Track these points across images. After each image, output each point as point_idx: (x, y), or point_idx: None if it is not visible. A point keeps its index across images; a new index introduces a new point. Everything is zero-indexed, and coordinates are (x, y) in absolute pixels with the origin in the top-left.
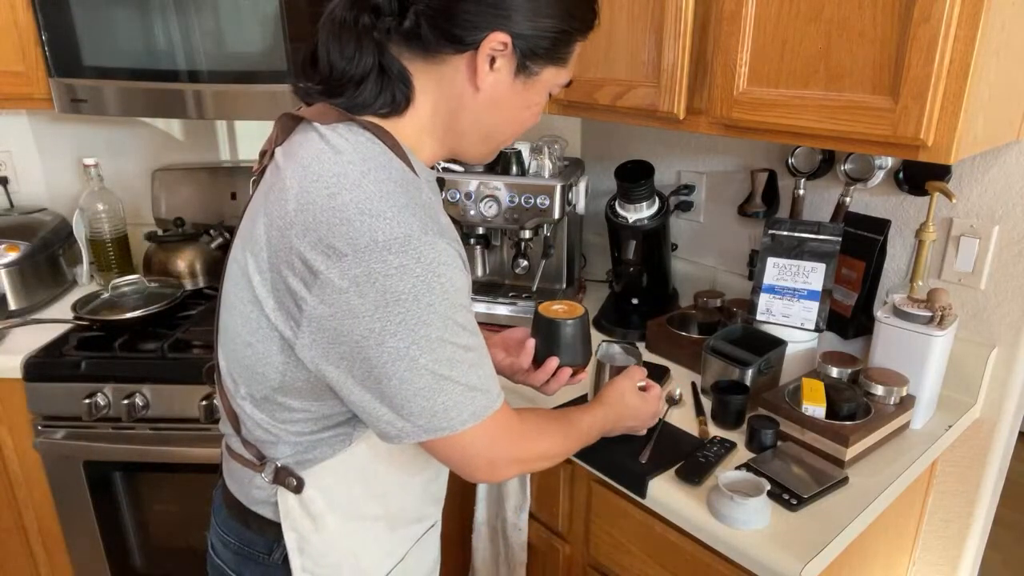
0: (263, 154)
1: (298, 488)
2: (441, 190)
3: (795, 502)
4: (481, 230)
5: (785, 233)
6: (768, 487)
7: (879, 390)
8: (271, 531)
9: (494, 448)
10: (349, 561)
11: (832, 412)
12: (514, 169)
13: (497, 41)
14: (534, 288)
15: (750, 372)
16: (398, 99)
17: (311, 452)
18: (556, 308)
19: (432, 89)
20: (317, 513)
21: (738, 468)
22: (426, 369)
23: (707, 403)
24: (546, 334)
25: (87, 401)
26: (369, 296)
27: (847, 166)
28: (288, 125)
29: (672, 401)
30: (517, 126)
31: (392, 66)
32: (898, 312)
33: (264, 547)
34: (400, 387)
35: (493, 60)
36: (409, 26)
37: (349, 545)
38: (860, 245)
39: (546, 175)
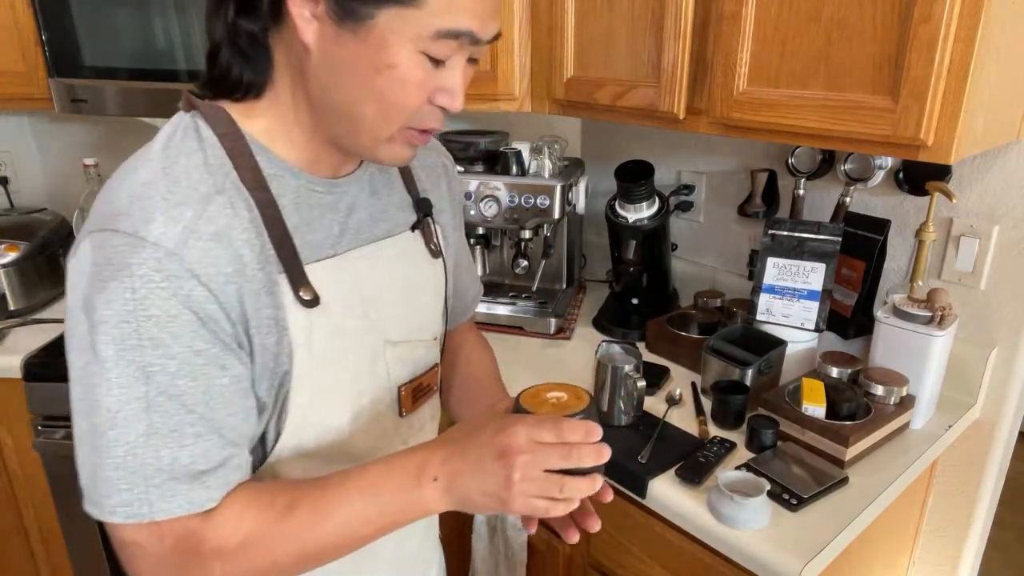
0: None
1: None
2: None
3: (795, 502)
4: (481, 230)
5: (785, 233)
6: (768, 487)
7: (879, 390)
8: None
9: (155, 568)
10: None
11: (832, 412)
12: (514, 169)
13: None
14: (534, 288)
15: (750, 372)
16: (249, 80)
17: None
18: (550, 396)
19: (285, 63)
20: None
21: (738, 468)
22: (88, 409)
23: (707, 403)
24: None
25: None
26: (76, 296)
27: (847, 166)
28: None
29: (672, 401)
30: (380, 101)
31: (242, 40)
32: (898, 312)
33: None
34: (75, 420)
35: (314, 3)
36: None
37: None
38: (860, 245)
39: (546, 175)
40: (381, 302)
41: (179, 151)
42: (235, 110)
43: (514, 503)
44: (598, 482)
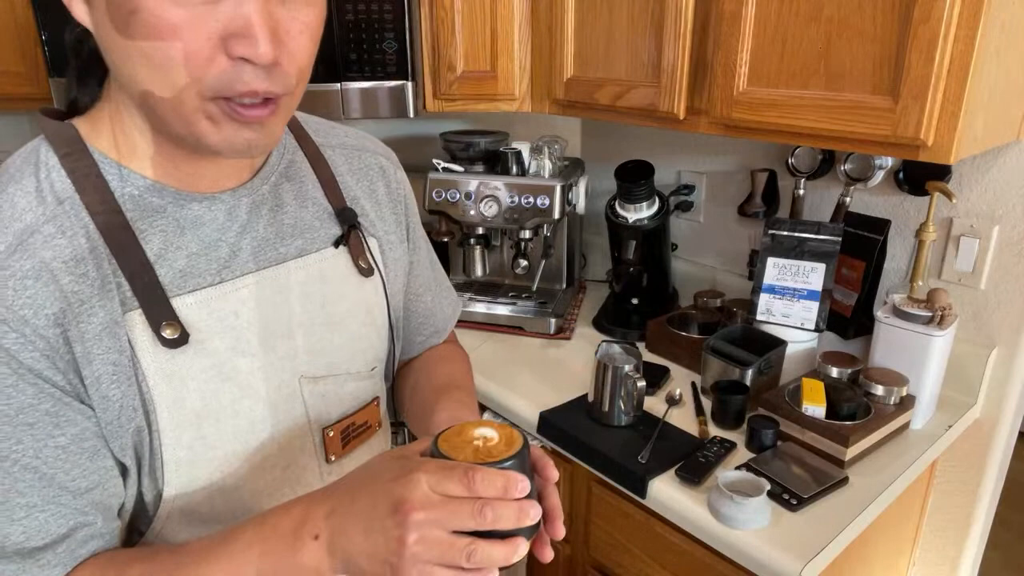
0: None
1: None
2: (428, 190)
3: (795, 502)
4: (481, 230)
5: (785, 233)
6: (768, 487)
7: (879, 390)
8: None
9: None
10: None
11: (832, 412)
12: (514, 169)
13: None
14: (534, 288)
15: (750, 372)
16: (85, 86)
17: None
18: (476, 436)
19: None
20: None
21: (738, 468)
22: None
23: (707, 403)
24: None
25: None
26: None
27: (847, 166)
28: None
29: (672, 401)
30: (146, 65)
31: (72, 43)
32: (898, 312)
33: None
34: None
35: None
36: None
37: None
38: (860, 245)
39: (546, 175)
40: (292, 333)
41: (9, 180)
42: (83, 127)
43: (406, 572)
44: (520, 548)
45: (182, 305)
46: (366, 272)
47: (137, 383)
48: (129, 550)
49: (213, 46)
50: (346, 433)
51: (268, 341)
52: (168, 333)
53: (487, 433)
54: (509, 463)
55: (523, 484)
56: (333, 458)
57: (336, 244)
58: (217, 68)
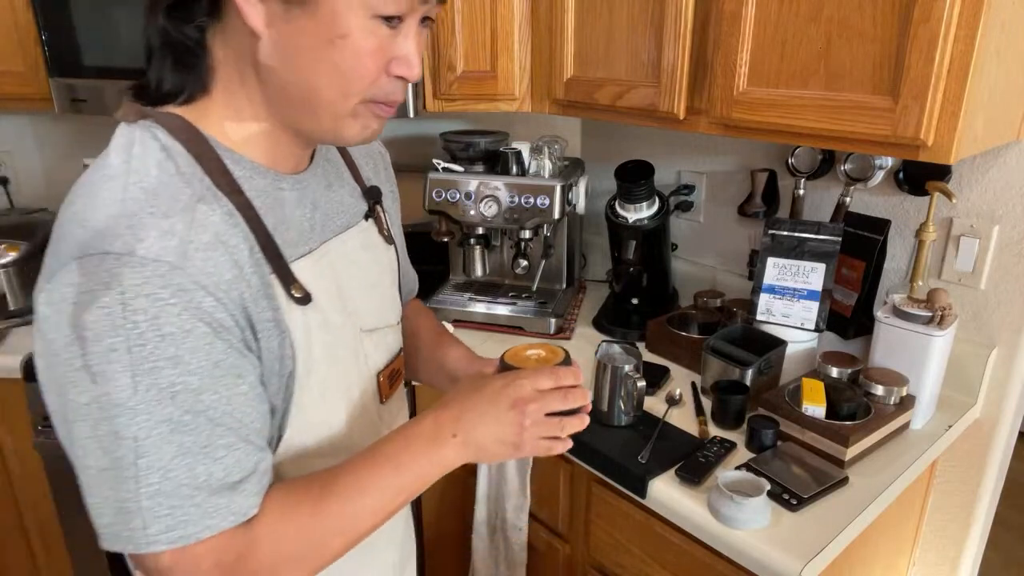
0: None
1: None
2: (428, 190)
3: (795, 502)
4: (481, 230)
5: (785, 233)
6: (768, 487)
7: (879, 390)
8: None
9: None
10: None
11: (832, 412)
12: (514, 169)
13: None
14: (534, 288)
15: (750, 372)
16: (187, 82)
17: None
18: (530, 354)
19: (232, 58)
20: None
21: (738, 468)
22: (106, 445)
23: (707, 403)
24: None
25: None
26: (61, 328)
27: (847, 166)
28: None
29: (672, 401)
30: (334, 75)
31: (177, 41)
32: (898, 312)
33: None
34: (85, 460)
35: None
36: None
37: None
38: (860, 245)
39: (546, 175)
40: (354, 292)
41: (146, 163)
42: (188, 114)
43: (525, 446)
44: (585, 420)
45: (296, 270)
46: (388, 240)
47: (286, 337)
48: (295, 478)
49: (382, 66)
50: (391, 378)
51: (342, 300)
52: (296, 293)
53: (538, 352)
54: (564, 364)
55: (581, 373)
56: (384, 399)
57: (366, 217)
58: (380, 81)
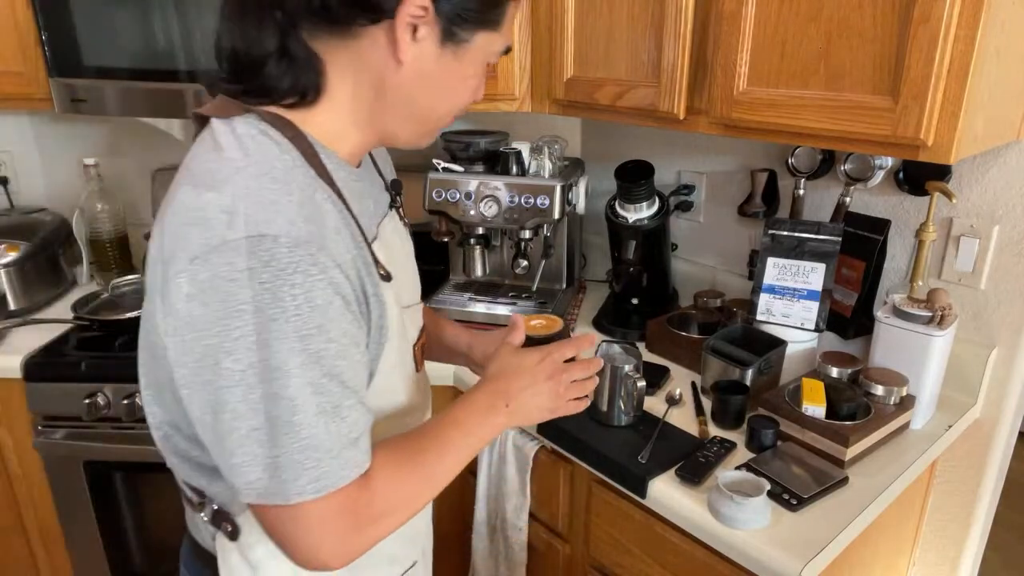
0: None
1: (234, 534)
2: (428, 190)
3: (795, 502)
4: (481, 230)
5: (785, 233)
6: (768, 487)
7: (879, 390)
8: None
9: (337, 528)
10: None
11: (832, 412)
12: (514, 169)
13: (416, 7)
14: (534, 288)
15: (750, 372)
16: (305, 87)
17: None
18: (534, 323)
19: (350, 71)
20: (258, 561)
21: (738, 468)
22: (261, 406)
23: (707, 403)
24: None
25: (87, 401)
26: (211, 305)
27: (847, 166)
28: (197, 126)
29: (672, 401)
30: (455, 100)
31: (298, 49)
32: (898, 312)
33: None
34: (234, 424)
35: (415, 29)
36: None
37: None
38: (860, 245)
39: (546, 175)
40: (399, 271)
41: (266, 156)
42: (293, 116)
43: (561, 409)
44: (598, 380)
45: (375, 250)
46: (407, 226)
47: (384, 310)
48: (389, 439)
49: None
50: (423, 350)
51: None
52: (381, 271)
53: (540, 321)
54: (564, 332)
55: (594, 338)
56: (419, 369)
57: (390, 207)
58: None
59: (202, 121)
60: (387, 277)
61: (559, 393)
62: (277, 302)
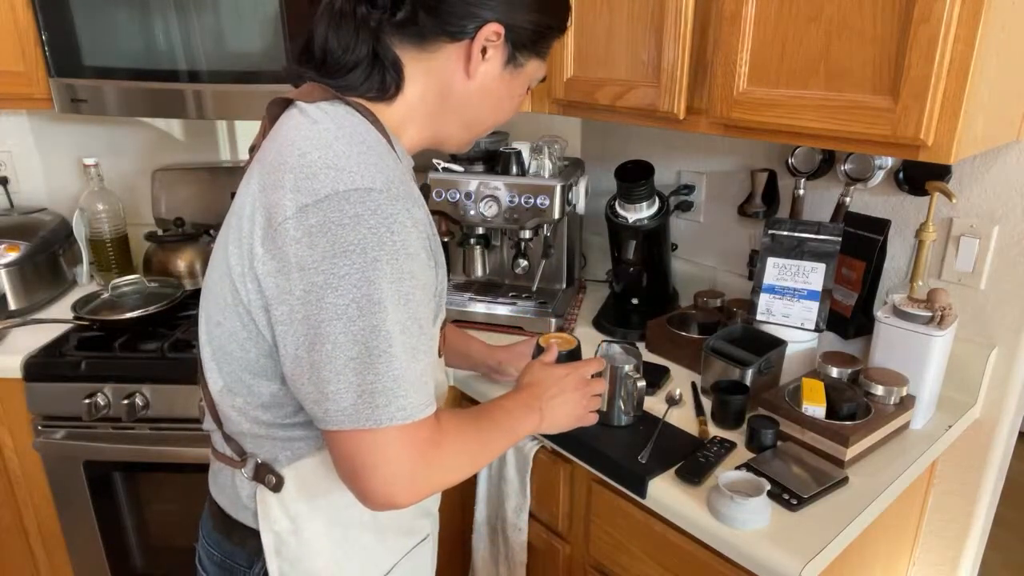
0: (252, 149)
1: (277, 486)
2: (429, 192)
3: (795, 502)
4: (481, 230)
5: (785, 233)
6: (768, 487)
7: (879, 390)
8: (252, 543)
9: (413, 460)
10: (330, 569)
11: (832, 412)
12: (514, 169)
13: (492, 31)
14: (534, 288)
15: (750, 372)
16: (388, 85)
17: (290, 447)
18: (552, 340)
19: (422, 77)
20: (297, 514)
21: (738, 468)
22: (361, 337)
23: (707, 403)
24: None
25: (87, 401)
26: (319, 247)
27: (847, 166)
28: (275, 112)
29: (672, 401)
30: (500, 115)
31: (386, 55)
32: (898, 312)
33: (245, 560)
34: (332, 353)
35: (485, 50)
36: (405, 16)
37: (331, 552)
38: (860, 245)
39: (546, 175)
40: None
41: (356, 128)
42: (379, 112)
43: (584, 419)
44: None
45: None
46: None
47: (442, 270)
48: (448, 410)
49: None
50: (443, 334)
51: None
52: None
53: (559, 339)
54: (578, 349)
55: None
56: (440, 352)
57: None
58: None
59: (279, 107)
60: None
61: (583, 405)
62: (380, 245)
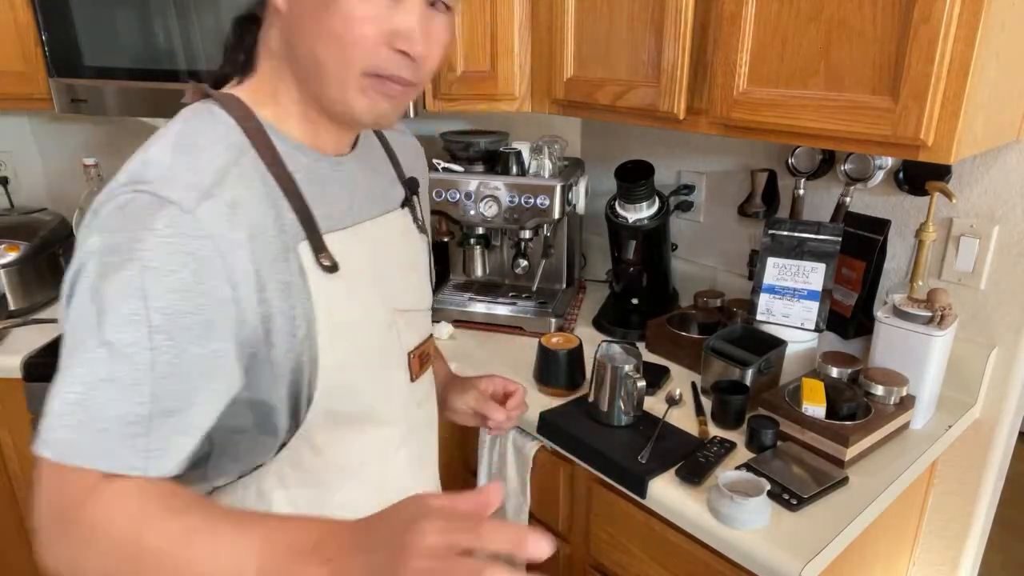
0: None
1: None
2: (431, 192)
3: (795, 502)
4: (481, 230)
5: (785, 233)
6: (768, 487)
7: (879, 390)
8: None
9: (52, 509)
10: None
11: (832, 412)
12: (514, 169)
13: None
14: (534, 288)
15: (750, 372)
16: (236, 56)
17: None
18: (554, 340)
19: (268, 38)
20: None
21: (738, 468)
22: (64, 355)
23: (707, 403)
24: (543, 360)
25: None
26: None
27: (847, 166)
28: None
29: (672, 401)
30: (331, 42)
31: (236, 32)
32: (898, 312)
33: None
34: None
35: None
36: None
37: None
38: (860, 245)
39: (546, 175)
40: (389, 273)
41: (197, 131)
42: (244, 96)
43: None
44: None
45: (328, 241)
46: (421, 231)
47: (301, 301)
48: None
49: (380, 37)
50: (421, 358)
51: (377, 277)
52: (324, 261)
53: (558, 339)
54: (579, 349)
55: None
56: (414, 378)
57: (402, 205)
58: (380, 53)
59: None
60: (330, 268)
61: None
62: (91, 257)
